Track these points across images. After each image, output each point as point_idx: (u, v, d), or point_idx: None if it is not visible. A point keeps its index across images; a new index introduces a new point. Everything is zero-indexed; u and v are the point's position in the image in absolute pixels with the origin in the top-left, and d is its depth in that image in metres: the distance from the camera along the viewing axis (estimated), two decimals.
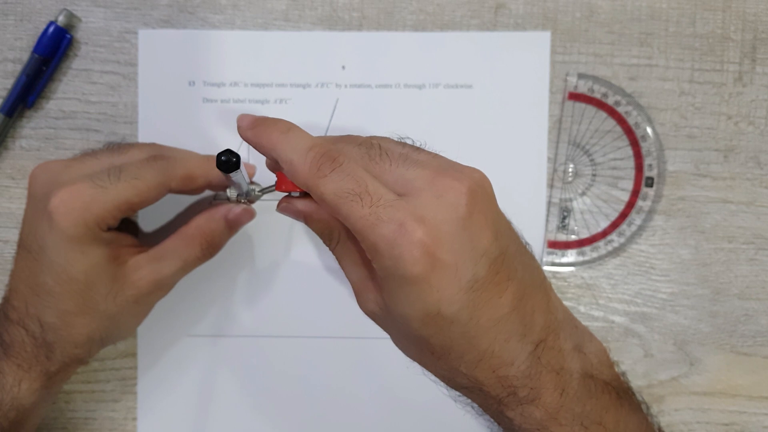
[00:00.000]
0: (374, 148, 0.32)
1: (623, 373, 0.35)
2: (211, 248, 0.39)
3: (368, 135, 0.34)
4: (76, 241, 0.35)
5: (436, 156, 0.33)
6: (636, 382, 0.44)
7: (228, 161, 0.30)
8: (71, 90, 0.43)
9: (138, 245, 0.39)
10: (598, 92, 0.43)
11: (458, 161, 0.32)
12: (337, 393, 0.44)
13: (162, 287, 0.39)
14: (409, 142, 0.34)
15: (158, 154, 0.38)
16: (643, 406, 0.35)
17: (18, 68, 0.43)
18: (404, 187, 0.30)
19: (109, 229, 0.37)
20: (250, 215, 0.41)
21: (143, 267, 0.37)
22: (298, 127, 0.33)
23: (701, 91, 0.43)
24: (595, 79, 0.43)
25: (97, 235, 0.36)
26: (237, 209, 0.40)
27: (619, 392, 0.33)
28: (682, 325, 0.44)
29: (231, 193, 0.37)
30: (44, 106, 0.43)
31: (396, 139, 0.34)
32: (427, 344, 0.31)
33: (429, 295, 0.29)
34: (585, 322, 0.43)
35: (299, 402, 0.44)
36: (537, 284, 0.33)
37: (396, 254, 0.29)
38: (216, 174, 0.38)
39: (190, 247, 0.39)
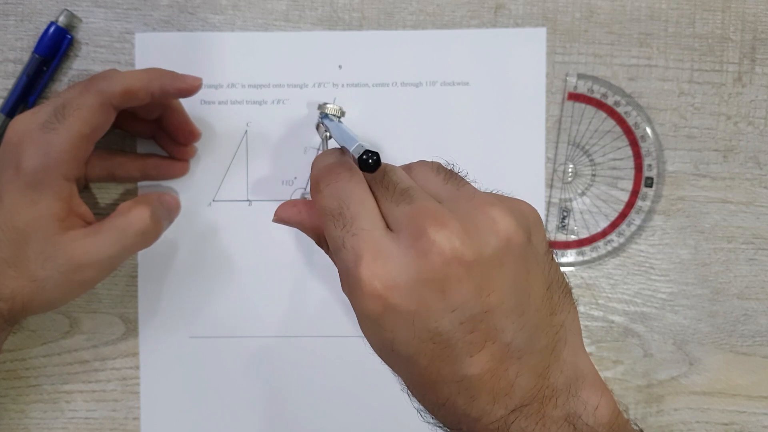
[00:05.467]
0: (379, 177, 0.30)
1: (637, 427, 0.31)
2: (156, 231, 0.39)
3: (375, 141, 0.33)
4: (32, 187, 0.36)
5: (463, 191, 0.29)
6: (635, 381, 0.44)
7: (376, 161, 0.28)
8: None
9: (89, 220, 0.39)
10: (597, 92, 0.43)
11: (464, 164, 0.30)
12: (339, 392, 0.44)
13: (102, 268, 0.38)
14: (449, 167, 0.31)
15: (95, 77, 0.38)
16: None
17: (19, 68, 0.43)
18: (393, 223, 0.28)
19: (77, 180, 0.38)
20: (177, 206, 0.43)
21: (79, 239, 0.37)
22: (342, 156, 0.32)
23: (701, 91, 0.43)
24: (595, 79, 0.43)
25: (56, 182, 0.36)
26: (166, 197, 0.41)
27: None
28: (681, 324, 0.44)
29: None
30: None
31: (441, 165, 0.31)
32: (391, 369, 0.30)
33: (382, 332, 0.27)
34: (585, 322, 0.44)
35: (301, 401, 0.44)
36: (538, 347, 0.28)
37: (351, 283, 0.27)
38: (157, 84, 0.38)
39: (129, 231, 0.38)
